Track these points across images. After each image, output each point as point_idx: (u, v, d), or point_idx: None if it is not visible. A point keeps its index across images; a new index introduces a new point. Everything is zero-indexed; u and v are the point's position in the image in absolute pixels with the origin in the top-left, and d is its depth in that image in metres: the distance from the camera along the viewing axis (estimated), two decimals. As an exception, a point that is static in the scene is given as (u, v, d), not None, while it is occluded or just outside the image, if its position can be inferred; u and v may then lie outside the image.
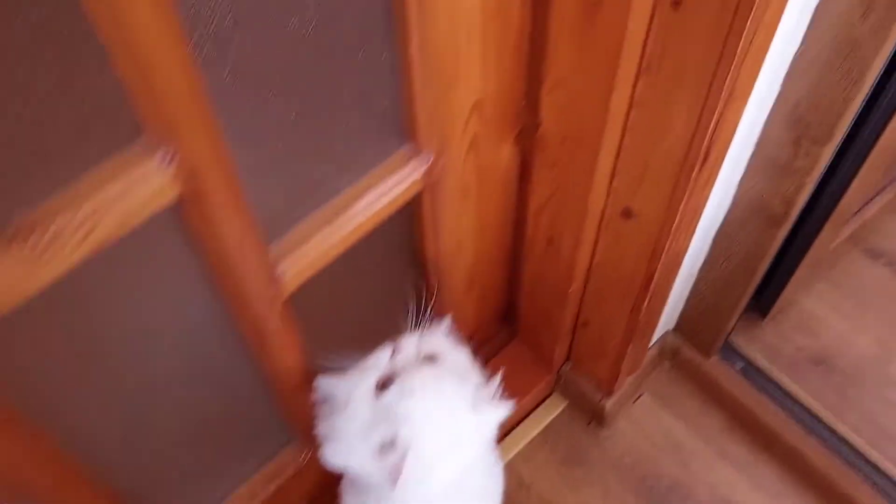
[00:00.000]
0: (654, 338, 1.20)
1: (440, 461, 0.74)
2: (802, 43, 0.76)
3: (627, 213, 0.86)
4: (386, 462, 0.73)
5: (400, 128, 0.75)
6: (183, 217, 0.60)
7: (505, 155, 0.88)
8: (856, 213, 1.21)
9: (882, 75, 0.78)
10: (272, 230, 0.70)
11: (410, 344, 0.78)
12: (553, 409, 1.23)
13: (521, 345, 1.23)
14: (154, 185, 0.55)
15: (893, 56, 0.75)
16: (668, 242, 0.85)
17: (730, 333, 1.19)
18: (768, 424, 1.16)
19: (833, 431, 1.16)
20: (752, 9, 0.60)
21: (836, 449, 1.15)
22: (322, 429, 0.79)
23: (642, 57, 0.71)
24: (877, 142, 0.88)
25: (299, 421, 0.95)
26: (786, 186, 0.87)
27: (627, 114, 0.77)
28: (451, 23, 0.66)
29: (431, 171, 0.79)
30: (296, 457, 0.99)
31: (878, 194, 1.24)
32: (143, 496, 0.82)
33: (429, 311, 0.83)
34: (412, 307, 0.82)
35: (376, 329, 0.81)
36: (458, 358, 0.80)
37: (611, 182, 0.85)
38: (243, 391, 0.87)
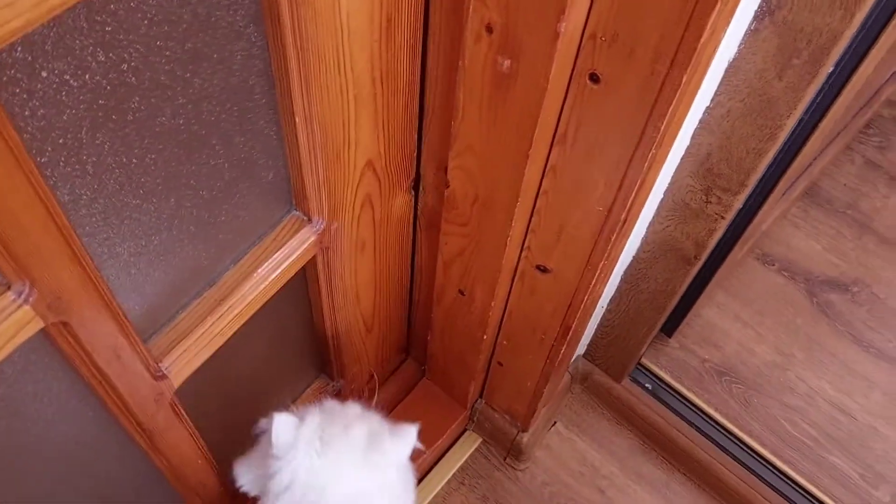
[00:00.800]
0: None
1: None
2: (713, 99, 0.74)
3: (543, 269, 0.83)
4: None
5: (288, 198, 0.70)
6: (52, 342, 0.52)
7: (399, 204, 0.83)
8: (756, 229, 1.23)
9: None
10: (153, 327, 0.64)
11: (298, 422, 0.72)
12: (468, 447, 1.20)
13: (432, 384, 1.19)
14: (13, 321, 0.47)
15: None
16: (585, 296, 0.83)
17: (639, 359, 1.19)
18: (679, 442, 1.18)
19: (740, 443, 1.19)
20: (679, 87, 0.57)
21: (744, 461, 1.17)
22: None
23: (556, 129, 0.67)
24: (784, 175, 0.88)
25: (202, 497, 0.88)
26: (697, 230, 0.86)
27: (541, 180, 0.73)
28: (340, 93, 0.60)
29: (324, 236, 0.74)
30: None
31: (775, 208, 1.26)
32: None
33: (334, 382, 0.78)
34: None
35: (273, 400, 0.75)
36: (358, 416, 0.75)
37: (524, 241, 0.81)
38: (142, 477, 0.79)
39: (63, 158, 0.46)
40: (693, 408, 1.21)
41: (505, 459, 1.19)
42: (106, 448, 0.71)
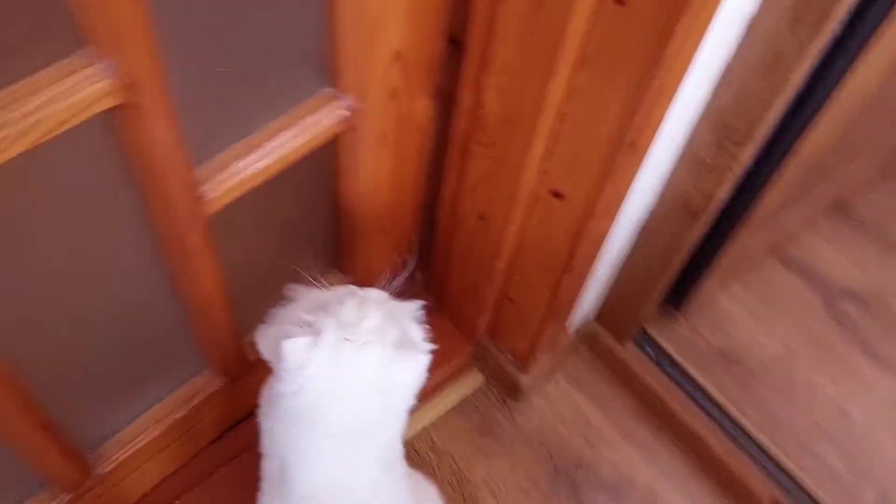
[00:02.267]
0: (576, 324, 1.25)
1: (344, 387, 0.74)
2: (733, 54, 0.80)
3: (557, 195, 0.90)
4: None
5: (323, 70, 0.78)
6: (118, 125, 0.62)
7: (421, 109, 0.91)
8: (772, 218, 1.27)
9: (807, 87, 0.83)
10: (198, 153, 0.72)
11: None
12: (470, 383, 1.27)
13: (443, 317, 1.26)
14: (94, 91, 0.57)
15: (817, 69, 0.81)
16: (591, 223, 0.90)
17: (645, 323, 1.25)
18: (674, 411, 1.22)
19: (734, 422, 1.23)
20: (685, 9, 0.64)
21: (736, 438, 1.21)
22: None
23: (582, 49, 0.74)
24: (794, 149, 0.93)
25: (213, 350, 0.98)
26: (706, 182, 0.92)
27: (564, 102, 0.80)
28: None
29: (352, 116, 0.82)
30: (207, 385, 1.02)
31: (794, 203, 1.30)
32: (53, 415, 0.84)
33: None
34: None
35: (291, 264, 0.83)
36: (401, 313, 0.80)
37: (543, 164, 0.88)
38: (161, 313, 0.89)
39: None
40: (691, 381, 1.26)
41: (504, 400, 1.25)
42: (141, 267, 0.80)
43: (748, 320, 1.36)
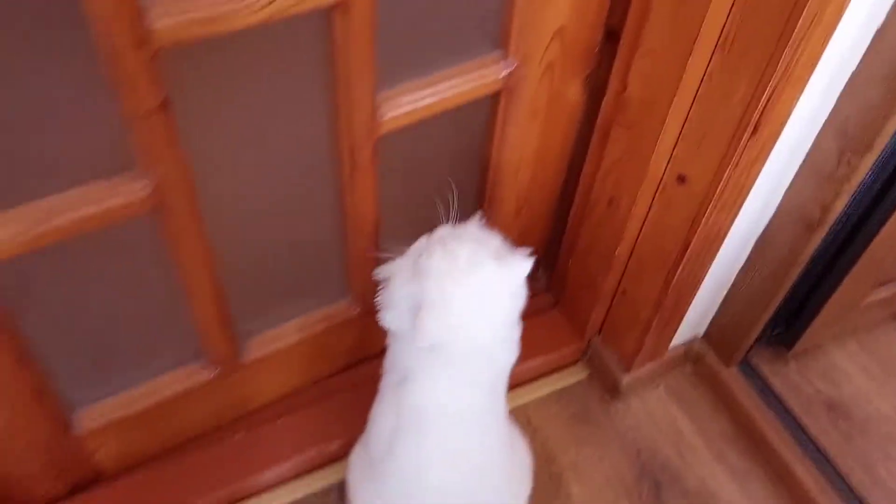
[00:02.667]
0: (683, 338, 1.31)
1: (465, 316, 0.85)
2: (860, 64, 0.89)
3: (682, 179, 1.00)
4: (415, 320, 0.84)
5: (496, 34, 0.93)
6: (329, 33, 0.79)
7: (573, 91, 1.05)
8: (889, 282, 1.30)
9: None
10: (382, 79, 0.88)
11: (446, 228, 0.90)
12: (575, 376, 1.35)
13: (559, 313, 1.36)
14: None
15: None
16: (710, 214, 0.99)
17: (753, 351, 1.29)
18: (770, 441, 1.25)
19: (832, 465, 1.23)
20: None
21: (831, 481, 1.22)
22: (380, 299, 0.93)
23: (720, 34, 0.86)
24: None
25: (356, 277, 1.12)
26: (825, 193, 0.99)
27: (699, 86, 0.92)
28: None
29: (511, 77, 0.96)
30: (345, 310, 1.17)
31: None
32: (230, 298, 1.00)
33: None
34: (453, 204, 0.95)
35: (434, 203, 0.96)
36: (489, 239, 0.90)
37: (674, 148, 0.99)
38: (326, 230, 1.04)
39: None
40: (792, 418, 1.28)
41: (603, 396, 1.32)
42: (317, 177, 0.96)
43: (861, 377, 1.37)
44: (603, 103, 1.06)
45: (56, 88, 0.72)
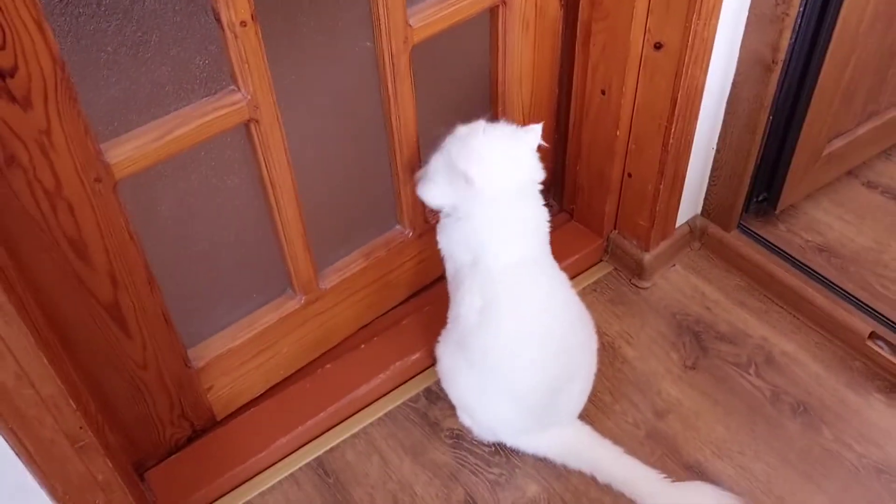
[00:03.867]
0: (685, 217, 1.52)
1: (502, 168, 1.09)
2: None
3: (658, 46, 1.22)
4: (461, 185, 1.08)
5: None
6: None
7: (553, 6, 1.27)
8: (842, 135, 1.53)
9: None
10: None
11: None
12: (602, 270, 1.53)
13: (576, 223, 1.56)
14: None
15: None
16: (687, 71, 1.21)
17: (743, 211, 1.50)
18: (779, 277, 1.44)
19: (835, 287, 1.42)
20: None
21: (836, 290, 1.41)
22: (421, 175, 1.17)
23: None
24: (837, 21, 1.23)
25: (406, 204, 1.30)
26: (771, 34, 1.22)
27: (656, -42, 1.15)
28: None
29: None
30: (399, 235, 1.35)
31: (864, 122, 1.56)
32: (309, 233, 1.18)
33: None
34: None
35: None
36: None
37: (646, 20, 1.21)
38: (374, 150, 1.23)
39: None
40: (794, 261, 1.47)
41: (630, 279, 1.51)
42: (368, 91, 1.15)
43: (839, 224, 1.58)
44: (580, 8, 1.29)
45: (166, 19, 0.90)
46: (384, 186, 1.30)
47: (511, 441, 1.24)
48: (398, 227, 1.36)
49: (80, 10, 0.82)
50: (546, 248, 1.18)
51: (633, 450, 1.21)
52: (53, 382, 0.78)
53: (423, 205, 1.31)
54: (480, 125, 1.10)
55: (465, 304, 1.15)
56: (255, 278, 1.22)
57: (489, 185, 1.08)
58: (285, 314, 1.26)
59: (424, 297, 1.45)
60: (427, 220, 1.36)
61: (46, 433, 0.83)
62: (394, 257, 1.36)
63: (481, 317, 1.13)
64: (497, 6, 1.22)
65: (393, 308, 1.43)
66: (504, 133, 1.11)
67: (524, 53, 1.30)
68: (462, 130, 1.11)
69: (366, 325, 1.41)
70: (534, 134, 1.11)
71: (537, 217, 1.15)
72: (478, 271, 1.13)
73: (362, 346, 1.36)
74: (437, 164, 1.14)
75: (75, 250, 0.89)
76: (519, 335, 1.13)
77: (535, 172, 1.13)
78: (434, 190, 1.15)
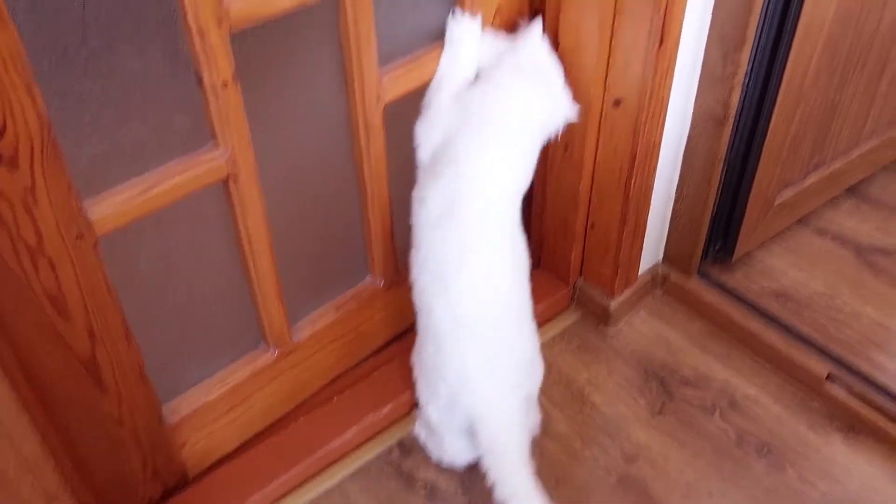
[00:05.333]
0: (647, 265, 1.57)
1: None
2: (719, -18, 1.22)
3: (617, 103, 1.29)
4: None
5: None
6: (337, 26, 1.05)
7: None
8: (791, 185, 1.61)
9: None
10: (383, 57, 1.14)
11: None
12: (570, 318, 1.57)
13: (543, 271, 1.60)
14: None
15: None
16: (643, 123, 1.27)
17: (702, 259, 1.56)
18: (738, 321, 1.49)
19: (792, 331, 1.48)
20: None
21: (793, 332, 1.47)
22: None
23: (619, -25, 1.18)
24: (784, 68, 1.31)
25: (375, 253, 1.33)
26: (722, 91, 1.30)
27: (613, 17, 1.22)
28: None
29: None
30: (370, 286, 1.37)
31: (811, 172, 1.64)
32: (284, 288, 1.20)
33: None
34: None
35: None
36: None
37: (605, 78, 1.28)
38: (346, 205, 1.26)
39: None
40: (752, 307, 1.53)
41: (597, 327, 1.54)
42: (338, 148, 1.19)
43: (792, 271, 1.65)
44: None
45: (149, 80, 0.93)
46: (355, 238, 1.33)
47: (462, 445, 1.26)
48: (369, 277, 1.38)
49: (68, 72, 0.84)
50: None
51: (605, 497, 1.24)
52: (34, 442, 0.78)
53: (394, 254, 1.35)
54: None
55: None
56: (228, 332, 1.23)
57: None
58: (259, 368, 1.26)
59: (396, 347, 1.46)
60: (398, 271, 1.39)
61: (24, 494, 0.82)
62: (364, 308, 1.38)
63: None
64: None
65: (365, 359, 1.45)
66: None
67: None
68: None
69: (338, 376, 1.42)
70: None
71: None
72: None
73: (335, 398, 1.37)
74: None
75: (55, 306, 0.90)
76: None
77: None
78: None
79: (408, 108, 1.22)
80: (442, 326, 1.16)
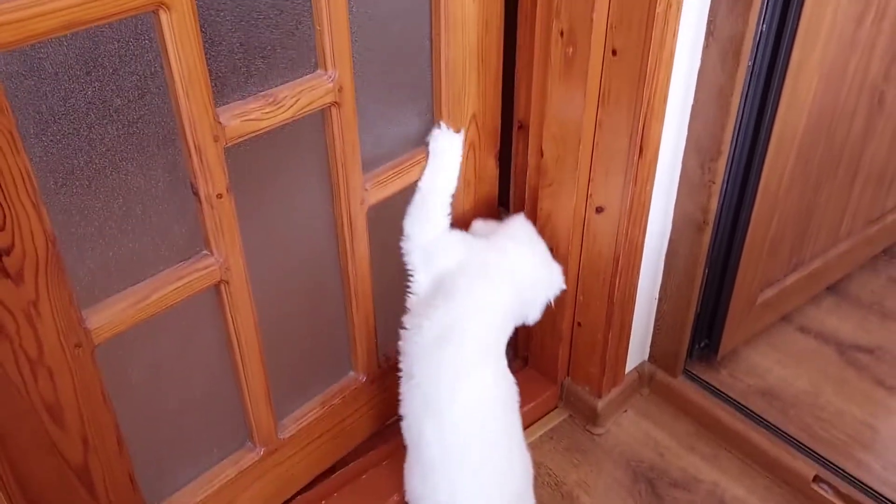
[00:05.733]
0: (633, 364, 1.59)
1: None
2: (693, 96, 1.29)
3: (599, 210, 1.34)
4: None
5: (434, 116, 1.28)
6: (326, 127, 1.11)
7: (490, 166, 1.40)
8: (772, 284, 1.66)
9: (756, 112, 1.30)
10: (366, 163, 1.19)
11: None
12: (558, 417, 1.58)
13: (532, 370, 1.62)
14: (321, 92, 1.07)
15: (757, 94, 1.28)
16: (627, 230, 1.32)
17: (687, 357, 1.58)
18: (725, 422, 1.51)
19: (778, 431, 1.50)
20: (652, 60, 1.15)
21: (780, 434, 1.48)
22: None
23: (600, 90, 1.25)
24: (759, 185, 1.37)
25: (359, 349, 1.36)
26: (701, 198, 1.35)
27: (594, 134, 1.28)
28: (462, 52, 1.22)
29: None
30: (353, 381, 1.39)
31: (791, 272, 1.69)
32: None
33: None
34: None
35: None
36: None
37: (588, 187, 1.33)
38: (331, 312, 1.29)
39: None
40: (738, 406, 1.55)
41: (585, 427, 1.55)
42: (324, 250, 1.23)
43: (777, 367, 1.67)
44: (527, 175, 1.41)
45: (149, 194, 0.97)
46: (340, 336, 1.35)
47: None
48: (352, 373, 1.40)
49: (73, 189, 0.88)
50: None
51: None
52: (24, 552, 0.78)
53: (376, 351, 1.38)
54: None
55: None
56: (216, 433, 1.24)
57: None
58: (245, 467, 1.26)
59: (383, 450, 1.47)
60: (380, 366, 1.41)
61: None
62: (349, 404, 1.40)
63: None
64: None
65: (350, 455, 1.45)
66: None
67: (465, 207, 1.41)
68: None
69: (325, 476, 1.41)
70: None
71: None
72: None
73: (322, 502, 1.36)
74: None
75: (51, 415, 0.91)
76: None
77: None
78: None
79: (390, 211, 1.27)
80: (431, 453, 1.17)
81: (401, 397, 1.22)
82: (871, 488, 1.39)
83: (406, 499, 1.27)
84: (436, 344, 1.16)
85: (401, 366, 1.23)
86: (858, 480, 1.41)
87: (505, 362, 1.24)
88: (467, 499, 1.17)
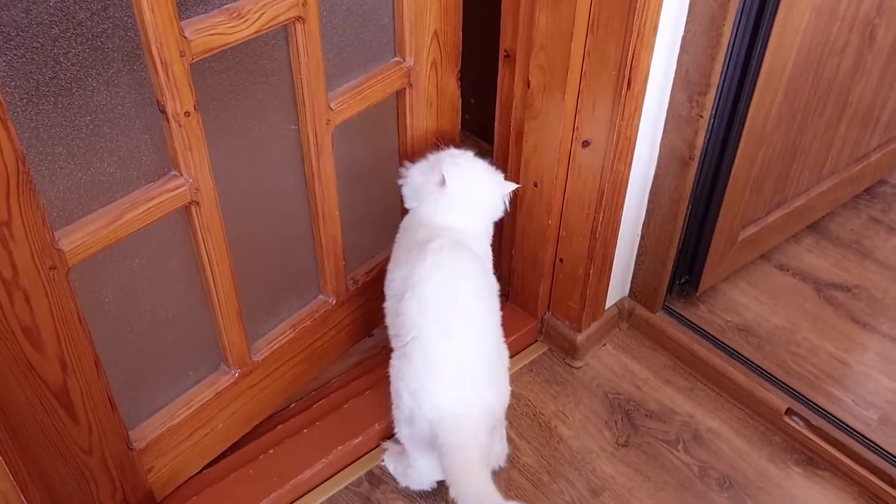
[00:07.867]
0: (613, 299, 1.60)
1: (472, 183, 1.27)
2: (685, 27, 1.27)
3: (586, 144, 1.32)
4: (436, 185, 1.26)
5: (394, 43, 1.27)
6: (291, 48, 1.09)
7: (452, 86, 1.39)
8: (754, 222, 1.66)
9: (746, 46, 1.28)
10: (330, 81, 1.18)
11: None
12: (537, 350, 1.59)
13: (513, 304, 1.62)
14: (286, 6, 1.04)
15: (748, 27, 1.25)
16: (612, 165, 1.31)
17: (667, 294, 1.59)
18: (702, 356, 1.53)
19: (753, 366, 1.52)
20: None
21: (754, 368, 1.50)
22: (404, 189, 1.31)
23: (589, 18, 1.21)
24: (746, 120, 1.36)
25: (328, 275, 1.36)
26: (687, 133, 1.34)
27: (582, 63, 1.26)
28: None
29: (410, 74, 1.29)
30: (322, 305, 1.40)
31: (773, 210, 1.69)
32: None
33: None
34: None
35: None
36: None
37: (574, 119, 1.31)
38: (298, 225, 1.29)
39: None
40: (715, 341, 1.57)
41: (564, 360, 1.57)
42: (291, 170, 1.22)
43: (755, 304, 1.69)
44: (513, 105, 1.38)
45: (116, 112, 0.94)
46: (308, 259, 1.35)
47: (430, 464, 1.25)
48: (321, 296, 1.41)
49: (40, 106, 0.85)
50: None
51: (570, 527, 1.25)
52: (6, 477, 0.78)
53: (344, 274, 1.38)
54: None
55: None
56: (190, 356, 1.24)
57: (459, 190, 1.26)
58: (220, 389, 1.27)
59: (365, 380, 1.47)
60: (348, 289, 1.41)
61: (-8, 527, 0.82)
62: (318, 326, 1.41)
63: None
64: (404, 89, 1.31)
65: (332, 386, 1.47)
66: (487, 167, 1.31)
67: (428, 126, 1.39)
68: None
69: (308, 407, 1.42)
70: (510, 185, 1.30)
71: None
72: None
73: (304, 430, 1.38)
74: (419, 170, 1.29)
75: (29, 338, 0.90)
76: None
77: (497, 208, 1.31)
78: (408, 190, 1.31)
79: (355, 131, 1.26)
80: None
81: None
82: (841, 421, 1.42)
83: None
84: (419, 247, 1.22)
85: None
86: (830, 414, 1.44)
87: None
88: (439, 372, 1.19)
